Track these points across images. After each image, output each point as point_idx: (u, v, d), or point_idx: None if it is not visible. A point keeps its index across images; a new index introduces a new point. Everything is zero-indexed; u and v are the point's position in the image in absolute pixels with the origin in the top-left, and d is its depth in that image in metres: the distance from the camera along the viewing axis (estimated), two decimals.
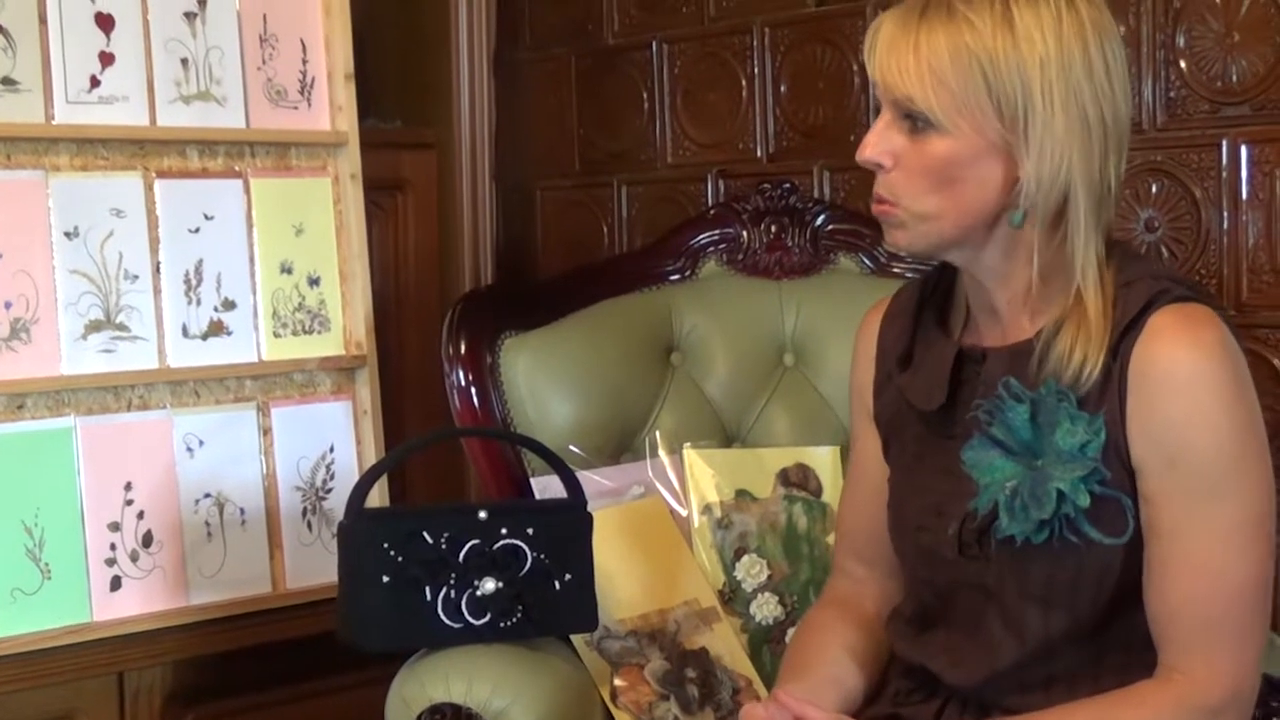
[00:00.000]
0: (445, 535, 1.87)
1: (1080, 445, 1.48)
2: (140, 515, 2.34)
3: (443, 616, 1.87)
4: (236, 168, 2.49)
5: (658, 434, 2.24)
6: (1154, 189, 2.23)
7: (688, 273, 2.39)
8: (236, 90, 2.48)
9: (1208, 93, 2.18)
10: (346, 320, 2.57)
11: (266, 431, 2.47)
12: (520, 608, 1.89)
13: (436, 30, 2.99)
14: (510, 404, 2.23)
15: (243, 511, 2.43)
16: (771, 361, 2.33)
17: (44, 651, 2.22)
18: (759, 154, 2.72)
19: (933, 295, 1.67)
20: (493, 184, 3.02)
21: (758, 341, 2.33)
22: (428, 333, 2.68)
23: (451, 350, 2.24)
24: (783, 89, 2.68)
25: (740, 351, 2.32)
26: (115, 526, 2.31)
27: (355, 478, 2.36)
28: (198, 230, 2.43)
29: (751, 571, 2.14)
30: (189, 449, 2.39)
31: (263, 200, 2.50)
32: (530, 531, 1.91)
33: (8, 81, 2.25)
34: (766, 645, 2.11)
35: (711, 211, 2.48)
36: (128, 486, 2.33)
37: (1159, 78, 2.22)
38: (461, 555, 1.87)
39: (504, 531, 1.90)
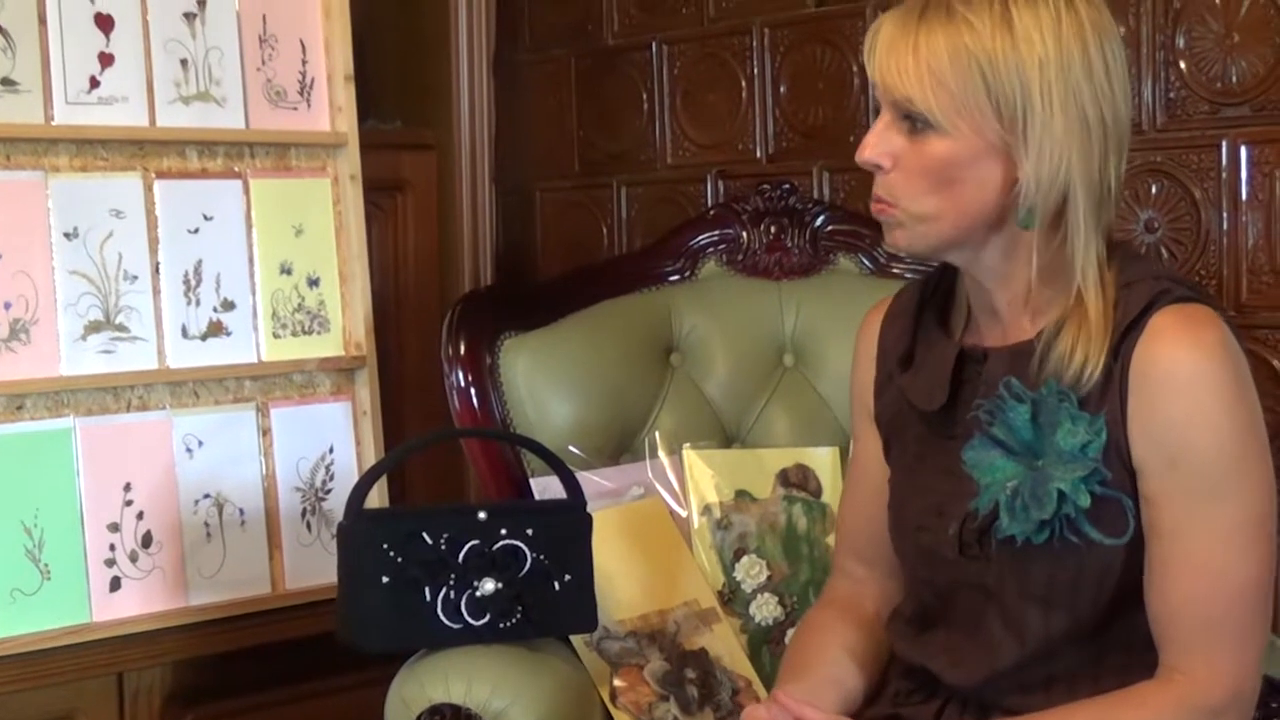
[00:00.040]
0: (445, 536, 1.87)
1: (1081, 445, 1.48)
2: (140, 516, 2.34)
3: (442, 617, 1.87)
4: (236, 168, 2.49)
5: (657, 434, 2.24)
6: (1154, 190, 2.23)
7: (687, 273, 2.39)
8: (236, 91, 2.48)
9: (1207, 93, 2.18)
10: (346, 321, 2.57)
11: (266, 432, 2.47)
12: (520, 608, 1.89)
13: (436, 31, 2.99)
14: (510, 405, 2.23)
15: (242, 512, 2.43)
16: (771, 362, 2.33)
17: (43, 652, 2.22)
18: (759, 155, 2.72)
19: (934, 295, 1.67)
20: (492, 185, 3.02)
21: (757, 342, 2.33)
22: (427, 333, 2.68)
23: (451, 351, 2.24)
24: (782, 90, 2.68)
25: (740, 352, 2.32)
26: (115, 527, 2.31)
27: (355, 478, 2.36)
28: (197, 231, 2.43)
29: (751, 572, 2.14)
30: (188, 449, 2.39)
31: (262, 201, 2.50)
32: (530, 532, 1.91)
33: (7, 82, 2.25)
34: (766, 646, 2.11)
35: (711, 212, 2.47)
36: (127, 487, 2.33)
37: (1159, 78, 2.22)
38: (461, 556, 1.87)
39: (503, 532, 1.90)
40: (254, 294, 2.48)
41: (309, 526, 2.50)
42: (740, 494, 2.17)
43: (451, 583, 1.87)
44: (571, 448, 2.19)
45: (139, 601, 2.32)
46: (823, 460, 2.20)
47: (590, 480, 2.13)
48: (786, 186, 2.39)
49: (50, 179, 2.29)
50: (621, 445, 2.26)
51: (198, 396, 2.42)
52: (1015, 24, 1.46)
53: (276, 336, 2.50)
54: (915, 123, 1.50)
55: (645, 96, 2.86)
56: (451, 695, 1.82)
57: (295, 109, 2.55)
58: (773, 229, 2.37)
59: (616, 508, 2.13)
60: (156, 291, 2.38)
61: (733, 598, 2.13)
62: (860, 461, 1.76)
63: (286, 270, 2.51)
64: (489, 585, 1.88)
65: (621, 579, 2.07)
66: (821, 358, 2.29)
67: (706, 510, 2.16)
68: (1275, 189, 2.13)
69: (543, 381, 2.24)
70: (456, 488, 2.86)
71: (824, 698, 1.62)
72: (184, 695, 2.37)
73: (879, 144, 1.53)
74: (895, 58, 1.49)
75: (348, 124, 2.58)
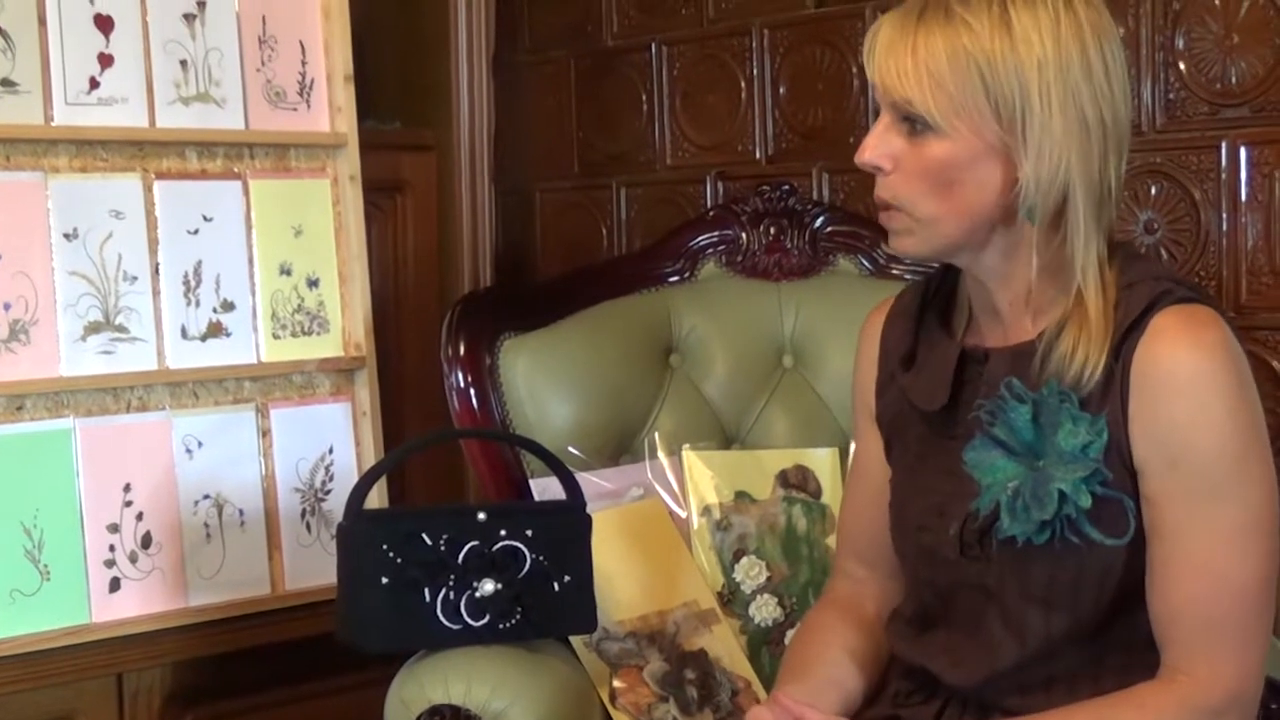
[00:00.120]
0: (444, 537, 1.87)
1: (1082, 446, 1.48)
2: (139, 516, 2.34)
3: (442, 618, 1.87)
4: (235, 169, 2.49)
5: (657, 435, 2.24)
6: (1153, 191, 2.23)
7: (687, 274, 2.39)
8: (236, 92, 2.48)
9: (1207, 94, 2.18)
10: (345, 322, 2.57)
11: (265, 433, 2.47)
12: (519, 609, 1.89)
13: (436, 32, 2.99)
14: (509, 405, 2.23)
15: (242, 513, 2.43)
16: (770, 363, 2.33)
17: (43, 653, 2.22)
18: (758, 156, 2.71)
19: (935, 296, 1.67)
20: (492, 186, 3.02)
21: (757, 343, 2.33)
22: (427, 334, 2.68)
23: (450, 351, 2.24)
24: (782, 91, 2.68)
25: (739, 353, 2.32)
26: (114, 528, 2.31)
27: (354, 479, 2.36)
28: (197, 232, 2.43)
29: (750, 573, 2.14)
30: (188, 450, 2.39)
31: (262, 201, 2.50)
32: (529, 533, 1.91)
33: (7, 83, 2.25)
34: (765, 647, 2.11)
35: (710, 213, 2.47)
36: (127, 488, 2.33)
37: (1158, 79, 2.22)
38: (460, 557, 1.87)
39: (503, 533, 1.90)
40: (254, 295, 2.48)
41: (309, 527, 2.50)
42: (740, 495, 2.18)
43: (451, 583, 1.87)
44: (571, 448, 2.19)
45: (138, 602, 2.32)
46: (822, 461, 2.20)
47: (590, 481, 2.13)
48: (786, 188, 2.39)
49: (50, 180, 2.29)
50: (621, 446, 2.26)
51: (197, 397, 2.42)
52: (1014, 25, 1.46)
53: (276, 337, 2.50)
54: (915, 124, 1.50)
55: (645, 97, 2.86)
56: (451, 696, 1.82)
57: (295, 110, 2.55)
58: (772, 230, 2.37)
59: (616, 509, 2.13)
60: (156, 292, 2.38)
61: (732, 599, 2.13)
62: (862, 462, 1.77)
63: (286, 271, 2.51)
64: (488, 586, 1.88)
65: (621, 580, 2.07)
66: (821, 359, 2.30)
67: (706, 511, 2.16)
68: (1275, 190, 2.13)
69: (542, 382, 2.24)
70: (456, 488, 2.86)
71: (824, 699, 1.62)
72: (183, 696, 2.37)
73: (879, 146, 1.53)
74: (894, 59, 1.49)
75: (347, 124, 2.58)
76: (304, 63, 2.57)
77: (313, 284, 2.54)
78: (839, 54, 2.59)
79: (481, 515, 1.91)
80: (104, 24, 2.35)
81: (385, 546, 1.85)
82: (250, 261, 2.48)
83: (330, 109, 2.58)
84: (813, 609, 1.83)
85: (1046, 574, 1.51)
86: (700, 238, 2.40)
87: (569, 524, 1.96)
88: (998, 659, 1.55)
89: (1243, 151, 2.15)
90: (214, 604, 2.38)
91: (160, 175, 2.40)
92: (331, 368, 2.55)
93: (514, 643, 1.90)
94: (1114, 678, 1.52)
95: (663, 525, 2.16)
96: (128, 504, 2.33)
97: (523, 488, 2.19)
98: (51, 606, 2.25)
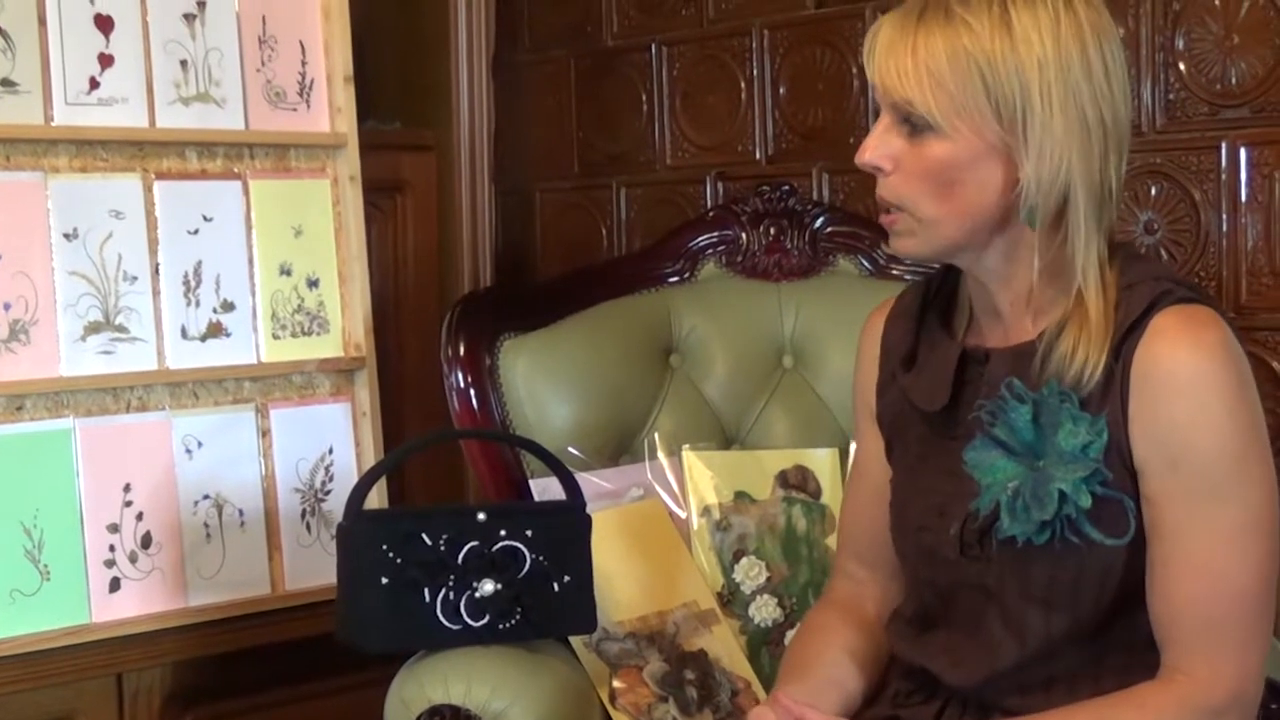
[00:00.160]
0: (444, 537, 1.87)
1: (1082, 446, 1.48)
2: (139, 516, 2.34)
3: (441, 618, 1.87)
4: (235, 169, 2.49)
5: (657, 436, 2.24)
6: (1153, 191, 2.23)
7: (687, 274, 2.39)
8: (236, 92, 2.48)
9: (1207, 95, 2.18)
10: (345, 322, 2.57)
11: (265, 433, 2.47)
12: (519, 609, 1.89)
13: (436, 32, 2.99)
14: (509, 406, 2.23)
15: (242, 513, 2.43)
16: (770, 363, 2.33)
17: (43, 653, 2.22)
18: (758, 156, 2.71)
19: (936, 296, 1.67)
20: (492, 186, 3.02)
21: (757, 343, 2.33)
22: (427, 334, 2.68)
23: (450, 352, 2.24)
24: (782, 91, 2.68)
25: (739, 353, 2.32)
26: (114, 528, 2.31)
27: (354, 479, 2.36)
28: (197, 232, 2.43)
29: (750, 573, 2.14)
30: (188, 450, 2.39)
31: (262, 202, 2.50)
32: (529, 533, 1.91)
33: (7, 83, 2.25)
34: (765, 647, 2.11)
35: (710, 213, 2.47)
36: (127, 488, 2.33)
37: (1158, 80, 2.22)
38: (460, 557, 1.87)
39: (503, 533, 1.90)
40: (253, 295, 2.48)
41: (309, 527, 2.50)
42: (739, 495, 2.17)
43: (451, 584, 1.87)
44: (571, 449, 2.19)
45: (138, 602, 2.32)
46: (822, 461, 2.20)
47: (589, 481, 2.13)
48: (786, 188, 2.39)
49: (50, 180, 2.29)
50: (621, 446, 2.26)
51: (197, 397, 2.42)
52: (1014, 25, 1.46)
53: (276, 337, 2.50)
54: (915, 125, 1.50)
55: (645, 98, 2.86)
56: (451, 696, 1.82)
57: (295, 110, 2.55)
58: (772, 230, 2.37)
59: (616, 509, 2.13)
60: (156, 292, 2.38)
61: (732, 599, 2.13)
62: (862, 463, 1.77)
63: (286, 271, 2.51)
64: (488, 586, 1.88)
65: (621, 580, 2.07)
66: (821, 359, 2.30)
67: (706, 511, 2.16)
68: (1275, 191, 2.13)
69: (542, 382, 2.24)
70: (456, 489, 2.86)
71: (824, 699, 1.62)
72: (183, 696, 2.37)
73: (879, 146, 1.53)
74: (894, 60, 1.49)
75: (347, 125, 2.58)
76: (304, 63, 2.57)
77: (313, 284, 2.54)
78: (839, 54, 2.59)
79: (481, 515, 1.91)
80: (104, 24, 2.35)
81: (385, 547, 1.85)
82: (250, 262, 2.48)
83: (330, 109, 2.58)
84: (813, 609, 1.83)
85: (1046, 574, 1.51)
86: (700, 238, 2.40)
87: (569, 524, 1.96)
88: (998, 659, 1.55)
89: (1243, 152, 2.15)
90: (214, 604, 2.38)
91: (160, 175, 2.40)
92: (331, 368, 2.55)
93: (514, 643, 1.90)
94: (1114, 678, 1.52)
95: (662, 525, 2.16)
96: (128, 504, 2.33)
97: (523, 488, 2.19)
98: (51, 606, 2.25)
